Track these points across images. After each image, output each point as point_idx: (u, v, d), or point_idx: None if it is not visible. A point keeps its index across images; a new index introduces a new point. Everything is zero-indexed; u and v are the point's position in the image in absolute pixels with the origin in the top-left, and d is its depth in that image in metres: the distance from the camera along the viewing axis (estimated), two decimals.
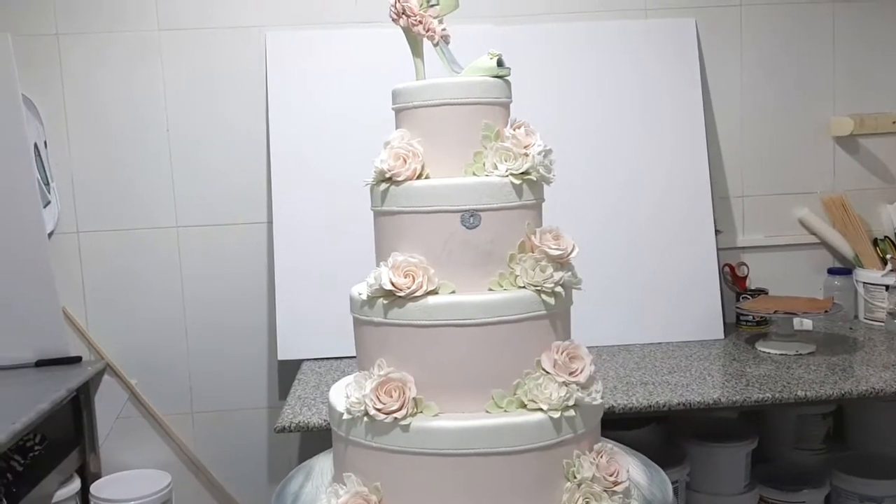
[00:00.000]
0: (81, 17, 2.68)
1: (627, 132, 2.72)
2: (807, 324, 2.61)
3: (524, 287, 1.44)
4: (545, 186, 1.53)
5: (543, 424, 1.38)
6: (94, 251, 2.75)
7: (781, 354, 2.37)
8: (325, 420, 2.00)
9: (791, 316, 2.40)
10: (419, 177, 1.47)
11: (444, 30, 1.55)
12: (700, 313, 2.65)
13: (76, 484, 2.61)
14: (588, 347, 1.47)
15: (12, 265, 2.61)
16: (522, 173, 1.45)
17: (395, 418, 1.37)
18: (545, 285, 1.43)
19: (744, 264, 2.79)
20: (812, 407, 2.54)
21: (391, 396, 1.39)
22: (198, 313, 2.78)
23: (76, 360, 2.70)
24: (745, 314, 2.66)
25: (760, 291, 2.72)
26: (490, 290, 1.44)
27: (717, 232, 2.70)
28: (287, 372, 2.74)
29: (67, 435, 2.67)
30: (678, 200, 2.68)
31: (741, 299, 2.69)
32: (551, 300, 1.44)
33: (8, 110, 2.55)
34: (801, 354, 2.36)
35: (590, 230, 2.62)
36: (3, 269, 2.62)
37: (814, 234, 2.84)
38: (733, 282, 2.78)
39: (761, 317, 2.61)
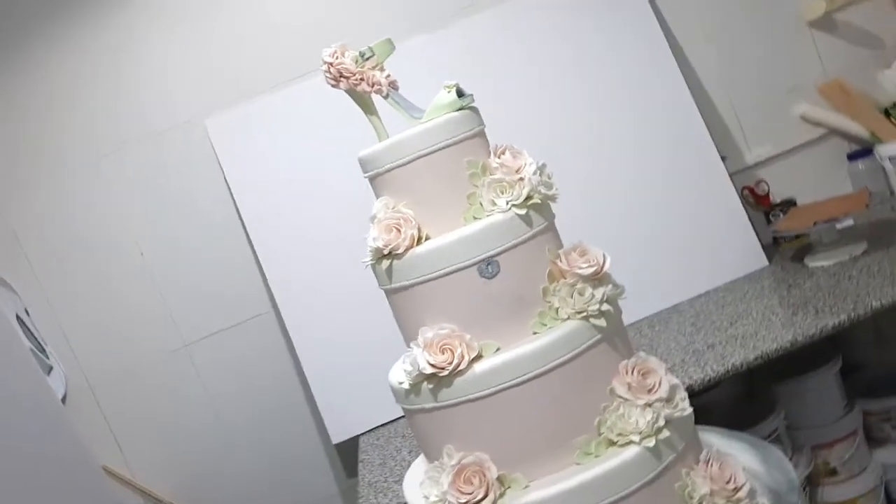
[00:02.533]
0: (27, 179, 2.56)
1: (598, 88, 2.57)
2: (848, 221, 2.46)
3: (568, 318, 1.30)
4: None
5: (642, 457, 1.25)
6: (112, 399, 2.63)
7: (835, 264, 2.23)
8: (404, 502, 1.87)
9: (832, 224, 2.25)
10: (419, 241, 1.33)
11: (388, 76, 1.41)
12: (737, 248, 2.50)
13: None
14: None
15: (37, 444, 2.47)
16: (525, 200, 1.31)
17: None
18: (590, 309, 1.29)
19: (762, 181, 2.64)
20: None
21: (472, 483, 1.25)
22: (236, 423, 2.66)
23: None
24: (783, 234, 2.52)
25: (788, 203, 2.58)
26: (535, 332, 1.31)
27: (723, 159, 2.55)
28: (347, 448, 2.61)
29: None
30: (674, 144, 2.54)
31: (771, 218, 2.55)
32: (602, 322, 1.30)
33: None
34: (855, 257, 2.22)
35: (600, 208, 2.48)
36: (29, 450, 2.48)
37: (820, 125, 2.69)
38: (757, 202, 2.64)
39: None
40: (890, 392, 2.33)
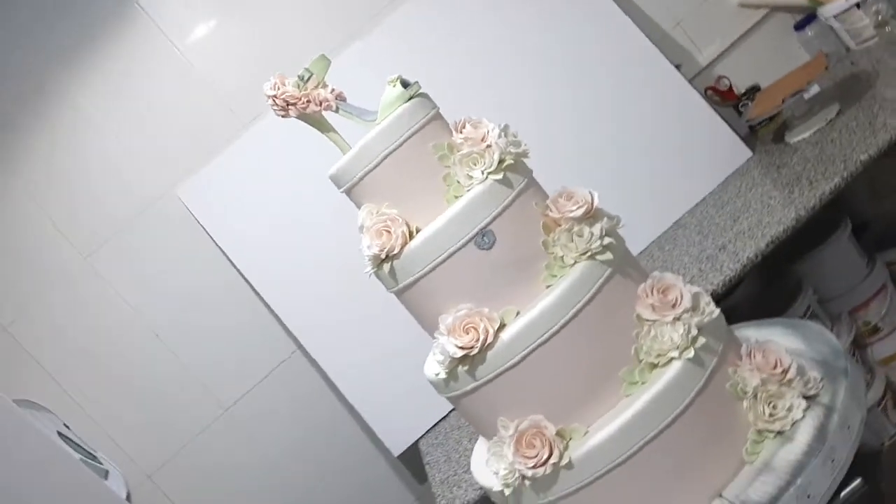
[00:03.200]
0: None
1: (536, 35, 2.56)
2: (815, 89, 2.46)
3: (575, 262, 1.32)
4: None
5: (686, 369, 1.27)
6: (174, 483, 2.64)
7: (814, 133, 2.25)
8: (480, 489, 1.89)
9: (799, 95, 2.26)
10: (411, 237, 1.35)
11: (333, 91, 1.43)
12: (717, 148, 2.51)
13: None
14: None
15: None
16: (498, 165, 1.33)
17: (554, 464, 1.26)
18: (593, 247, 1.31)
19: (722, 78, 2.65)
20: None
21: (534, 446, 1.27)
22: (299, 470, 2.67)
23: None
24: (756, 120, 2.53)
25: (753, 90, 2.59)
26: (548, 286, 1.32)
27: (678, 68, 2.56)
28: (411, 457, 2.62)
29: None
30: (626, 67, 2.54)
31: (741, 109, 2.56)
32: (608, 255, 1.32)
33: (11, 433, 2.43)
34: (831, 121, 2.23)
35: (576, 151, 2.49)
36: None
37: (759, 6, 2.69)
38: (723, 99, 2.65)
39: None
40: None
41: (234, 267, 2.59)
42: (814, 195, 1.91)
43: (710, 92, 2.65)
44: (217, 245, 2.58)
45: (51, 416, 2.60)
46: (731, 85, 2.64)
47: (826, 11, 2.56)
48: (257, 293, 2.58)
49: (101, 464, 2.61)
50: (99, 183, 2.59)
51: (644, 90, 2.53)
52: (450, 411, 2.46)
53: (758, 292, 2.35)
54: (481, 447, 1.52)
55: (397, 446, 2.52)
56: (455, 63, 2.56)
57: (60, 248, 2.58)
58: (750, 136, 2.61)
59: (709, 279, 1.94)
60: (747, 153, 2.49)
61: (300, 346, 2.62)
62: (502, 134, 1.35)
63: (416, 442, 2.49)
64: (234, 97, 2.59)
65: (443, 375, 1.36)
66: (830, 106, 2.28)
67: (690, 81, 2.57)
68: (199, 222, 2.58)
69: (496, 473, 1.33)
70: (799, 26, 2.68)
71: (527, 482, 1.29)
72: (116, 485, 2.59)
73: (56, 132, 2.55)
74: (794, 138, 2.31)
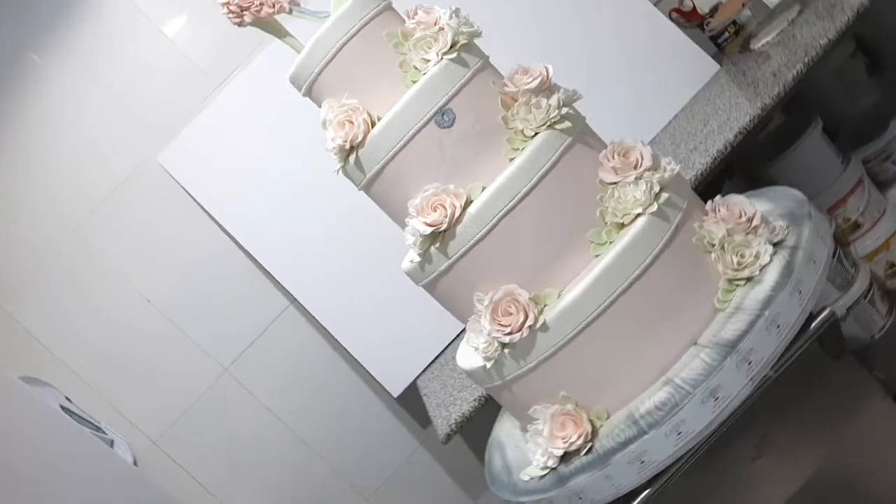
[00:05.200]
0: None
1: None
2: None
3: (536, 133, 1.34)
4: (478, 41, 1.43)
5: (651, 223, 1.29)
6: (180, 446, 2.66)
7: (778, 34, 2.27)
8: (475, 400, 1.92)
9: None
10: (373, 125, 1.38)
11: None
12: (685, 66, 2.53)
13: None
14: None
15: None
16: (452, 46, 1.36)
17: (529, 327, 1.28)
18: (551, 117, 1.34)
19: None
20: (839, 55, 2.41)
21: (511, 313, 1.30)
22: (303, 421, 2.69)
23: None
24: (721, 34, 2.55)
25: (715, 7, 2.61)
26: (511, 159, 1.35)
27: None
28: (413, 401, 2.63)
29: None
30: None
31: (706, 27, 2.58)
32: (568, 124, 1.35)
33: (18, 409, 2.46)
34: (792, 20, 2.25)
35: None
36: None
37: None
38: (688, 19, 2.66)
39: (735, 24, 2.50)
40: (878, 132, 2.37)
41: (221, 227, 2.61)
42: (777, 83, 1.94)
43: (674, 14, 2.67)
44: (201, 207, 2.60)
45: (52, 391, 2.63)
46: (693, 5, 2.66)
47: None
48: (246, 251, 2.61)
49: (105, 434, 2.64)
50: (77, 156, 2.60)
51: (610, 14, 2.55)
52: (443, 349, 2.48)
53: None
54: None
55: (396, 387, 2.54)
56: None
57: (47, 224, 2.60)
58: (718, 53, 2.63)
59: (683, 174, 1.95)
60: (715, 67, 2.51)
61: (293, 301, 2.64)
62: (454, 16, 1.37)
63: (414, 382, 2.51)
64: (205, 59, 2.61)
65: (417, 259, 1.38)
66: (792, 7, 2.30)
67: (655, 5, 2.59)
68: (182, 186, 2.60)
69: (476, 348, 1.35)
70: None
71: (506, 351, 1.32)
72: (122, 452, 2.62)
73: (28, 109, 2.57)
74: (758, 44, 2.33)
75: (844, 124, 2.51)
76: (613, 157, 1.34)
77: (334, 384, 2.69)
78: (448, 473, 2.77)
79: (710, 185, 2.22)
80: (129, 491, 2.53)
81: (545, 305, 1.32)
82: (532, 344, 1.29)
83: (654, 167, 1.34)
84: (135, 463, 2.63)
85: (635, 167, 1.33)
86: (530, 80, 1.35)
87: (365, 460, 2.72)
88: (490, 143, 1.36)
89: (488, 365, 1.34)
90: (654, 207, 1.29)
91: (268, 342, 2.68)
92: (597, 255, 1.32)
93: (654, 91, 2.53)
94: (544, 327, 1.28)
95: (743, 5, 2.29)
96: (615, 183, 1.33)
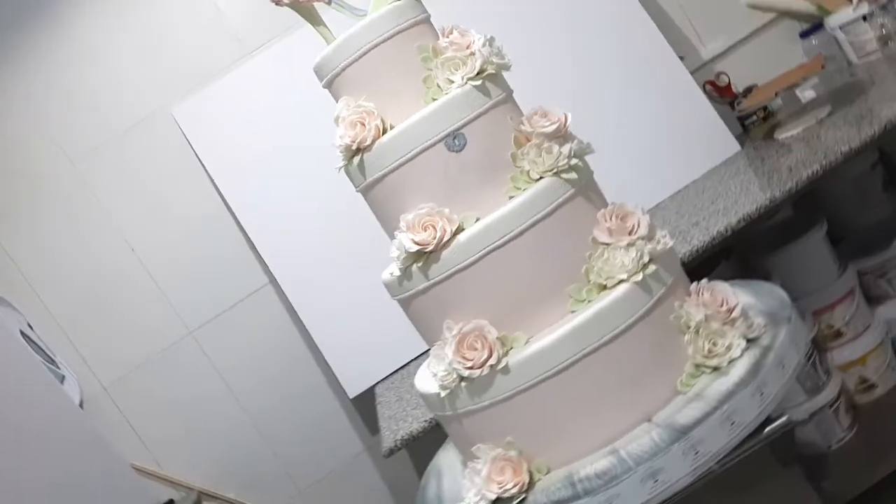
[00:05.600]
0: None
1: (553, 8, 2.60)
2: (810, 93, 2.49)
3: (541, 178, 1.34)
4: (507, 75, 1.43)
5: (633, 293, 1.29)
6: (129, 398, 2.65)
7: (804, 130, 2.27)
8: (426, 421, 1.91)
9: (792, 91, 2.29)
10: (384, 132, 1.37)
11: None
12: (707, 140, 2.54)
13: None
14: None
15: (62, 449, 2.50)
16: (479, 73, 1.35)
17: (490, 366, 1.28)
18: (560, 165, 1.34)
19: (722, 74, 2.68)
20: (859, 163, 2.42)
21: (475, 349, 1.29)
22: (255, 399, 2.68)
23: None
24: (749, 116, 2.56)
25: (749, 89, 2.62)
26: (511, 197, 1.34)
27: (680, 59, 2.59)
28: (367, 406, 2.63)
29: None
30: (632, 52, 2.56)
31: (736, 107, 2.59)
32: (573, 175, 1.35)
33: None
34: (821, 120, 2.26)
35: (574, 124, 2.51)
36: (55, 455, 2.51)
37: (768, 9, 2.72)
38: (720, 95, 2.68)
39: (765, 110, 2.50)
40: (880, 248, 2.37)
41: (219, 192, 2.61)
42: (792, 179, 1.94)
43: (709, 87, 2.68)
44: (204, 168, 2.60)
45: (16, 315, 2.61)
46: (729, 82, 2.67)
47: (832, 21, 2.59)
48: (237, 220, 2.60)
49: (58, 368, 2.62)
50: (98, 92, 2.61)
51: (649, 77, 2.56)
52: (408, 361, 2.47)
53: (729, 278, 2.36)
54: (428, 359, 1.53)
55: (353, 389, 2.53)
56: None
57: (52, 154, 2.60)
58: (743, 134, 2.64)
59: (677, 248, 1.95)
60: (736, 147, 2.51)
61: (272, 280, 2.63)
62: (487, 44, 1.37)
63: (373, 388, 2.50)
64: (242, 26, 2.62)
65: (397, 273, 1.38)
66: (823, 108, 2.30)
67: (692, 73, 2.60)
68: (189, 143, 2.60)
69: (435, 375, 1.34)
70: (804, 34, 2.71)
71: (463, 384, 1.31)
72: (71, 391, 2.60)
73: (65, 40, 2.58)
74: (783, 135, 2.33)
75: (850, 231, 2.51)
76: (611, 219, 1.34)
77: (293, 371, 2.68)
78: (385, 484, 2.76)
79: (705, 263, 2.23)
80: (68, 429, 2.51)
81: (511, 348, 1.31)
82: (490, 383, 1.29)
83: (649, 237, 1.34)
84: (81, 404, 2.61)
85: (630, 233, 1.32)
86: (547, 124, 1.34)
87: (306, 452, 2.71)
88: (494, 177, 1.35)
89: (443, 394, 1.33)
90: (640, 277, 1.28)
91: (238, 315, 2.67)
92: (573, 311, 1.31)
93: (672, 157, 2.53)
94: (505, 370, 1.28)
95: (776, 94, 2.29)
96: (607, 244, 1.32)
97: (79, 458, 2.52)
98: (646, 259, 1.31)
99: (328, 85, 1.44)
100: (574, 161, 1.35)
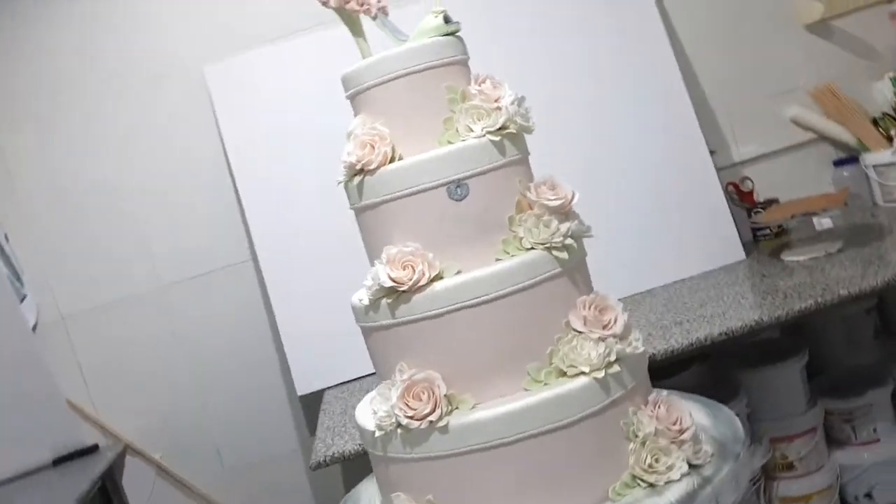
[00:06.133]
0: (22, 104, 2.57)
1: (598, 74, 2.59)
2: (827, 223, 2.48)
3: (532, 248, 1.32)
4: (528, 138, 1.40)
5: (590, 388, 1.26)
6: (83, 333, 2.63)
7: (810, 259, 2.25)
8: (360, 445, 1.88)
9: (810, 217, 2.27)
10: (391, 160, 1.35)
11: (379, 1, 1.43)
12: (715, 239, 2.52)
13: None
14: None
15: (2, 367, 2.48)
16: (500, 129, 1.33)
17: (431, 421, 1.25)
18: (554, 241, 1.31)
19: (747, 178, 2.66)
20: (855, 305, 2.40)
21: (420, 400, 1.26)
22: (205, 370, 2.66)
23: (93, 449, 2.57)
24: (762, 228, 2.54)
25: (771, 202, 2.60)
26: (498, 259, 1.32)
27: (711, 153, 2.57)
28: (313, 407, 2.61)
29: None
30: (666, 134, 2.55)
31: (753, 215, 2.57)
32: (564, 255, 1.32)
33: None
34: (830, 254, 2.24)
35: (589, 187, 2.47)
36: None
37: (810, 129, 2.71)
38: (741, 199, 2.66)
39: (779, 227, 2.48)
40: (854, 394, 2.34)
41: (225, 157, 2.59)
42: (783, 308, 1.91)
43: (731, 188, 2.66)
44: (219, 131, 2.58)
45: None
46: (753, 188, 2.65)
47: (868, 159, 2.58)
48: (236, 190, 2.58)
49: (22, 286, 2.59)
50: (140, 33, 2.61)
51: (675, 162, 2.54)
52: (364, 375, 2.45)
53: (697, 384, 2.34)
54: (375, 392, 1.51)
55: (303, 387, 2.50)
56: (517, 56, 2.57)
57: (75, 79, 2.59)
58: (752, 243, 2.62)
59: (653, 344, 1.93)
60: (741, 256, 2.49)
61: (254, 258, 2.61)
62: (516, 103, 1.35)
63: (323, 391, 2.47)
64: (290, 6, 2.60)
65: (365, 302, 1.35)
66: (835, 241, 2.28)
67: (718, 170, 2.58)
68: (211, 102, 2.58)
69: (375, 413, 1.32)
70: (838, 163, 2.70)
71: (399, 430, 1.28)
72: (28, 312, 2.57)
73: None
74: (789, 257, 2.31)
75: (830, 368, 2.49)
76: (589, 308, 1.31)
77: (251, 352, 2.66)
78: (310, 487, 2.73)
79: (677, 363, 2.21)
80: (13, 348, 2.49)
81: (457, 408, 1.28)
82: (425, 438, 1.26)
83: (622, 336, 1.31)
84: (34, 328, 2.58)
85: (604, 327, 1.30)
86: (553, 197, 1.32)
87: (241, 434, 2.69)
88: (487, 235, 1.33)
89: (377, 433, 1.31)
90: (601, 374, 1.26)
91: (212, 282, 2.66)
92: (526, 389, 1.28)
93: (676, 247, 2.51)
94: (444, 429, 1.25)
95: (793, 216, 2.27)
96: (579, 332, 1.29)
97: (16, 379, 2.49)
98: (612, 358, 1.28)
99: (351, 97, 1.42)
100: (569, 241, 1.32)
